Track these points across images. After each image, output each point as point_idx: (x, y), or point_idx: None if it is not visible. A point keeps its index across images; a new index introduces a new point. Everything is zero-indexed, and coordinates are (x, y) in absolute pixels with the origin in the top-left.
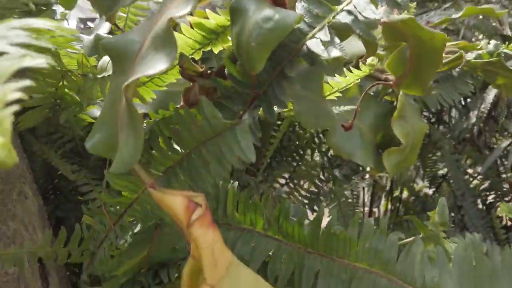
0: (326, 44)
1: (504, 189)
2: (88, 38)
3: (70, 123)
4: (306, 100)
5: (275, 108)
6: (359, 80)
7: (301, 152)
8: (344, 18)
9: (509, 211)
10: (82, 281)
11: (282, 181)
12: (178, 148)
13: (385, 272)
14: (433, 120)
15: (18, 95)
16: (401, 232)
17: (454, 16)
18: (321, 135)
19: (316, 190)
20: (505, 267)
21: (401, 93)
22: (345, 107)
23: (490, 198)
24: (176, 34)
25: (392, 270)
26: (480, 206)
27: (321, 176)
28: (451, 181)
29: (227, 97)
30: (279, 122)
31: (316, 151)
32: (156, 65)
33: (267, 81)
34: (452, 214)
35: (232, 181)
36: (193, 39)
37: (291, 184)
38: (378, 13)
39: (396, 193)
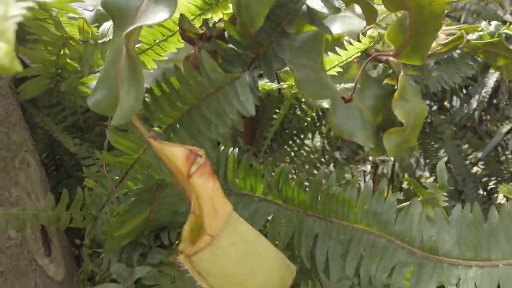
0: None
1: (505, 175)
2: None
3: (71, 95)
4: (306, 68)
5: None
6: (359, 53)
7: (302, 135)
8: None
9: (509, 192)
10: (85, 245)
11: (283, 165)
12: (179, 105)
13: (383, 232)
14: (434, 108)
15: (19, 10)
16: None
17: None
18: (321, 117)
19: (316, 173)
20: (503, 226)
21: (401, 73)
22: (346, 85)
23: (491, 184)
24: None
25: (391, 231)
26: (481, 192)
27: (322, 159)
28: (452, 167)
29: (227, 60)
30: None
31: (317, 133)
32: (157, 15)
33: (267, 42)
34: (453, 201)
35: (232, 148)
36: (193, 4)
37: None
38: None
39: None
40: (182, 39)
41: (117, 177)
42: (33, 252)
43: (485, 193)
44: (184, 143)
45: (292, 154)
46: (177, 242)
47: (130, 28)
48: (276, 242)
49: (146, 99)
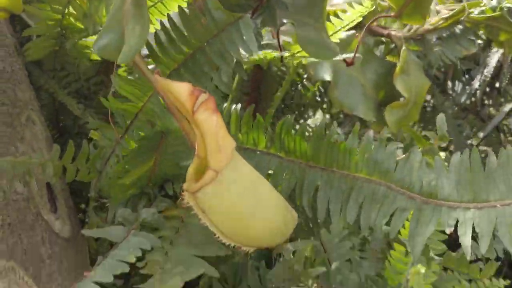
0: None
1: None
2: None
3: (75, 58)
4: (308, 26)
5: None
6: (361, 18)
7: (303, 111)
8: None
9: None
10: (90, 198)
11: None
12: (183, 48)
13: (384, 180)
14: (437, 91)
15: None
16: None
17: None
18: (323, 94)
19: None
20: (501, 168)
21: (403, 48)
22: (346, 55)
23: None
24: None
25: (391, 178)
26: None
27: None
28: (453, 147)
29: (231, 9)
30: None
31: (319, 109)
32: None
33: None
34: None
35: (234, 105)
36: None
37: None
38: None
39: None
40: None
41: (122, 128)
42: (39, 207)
43: None
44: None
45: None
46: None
47: None
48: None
49: (152, 44)
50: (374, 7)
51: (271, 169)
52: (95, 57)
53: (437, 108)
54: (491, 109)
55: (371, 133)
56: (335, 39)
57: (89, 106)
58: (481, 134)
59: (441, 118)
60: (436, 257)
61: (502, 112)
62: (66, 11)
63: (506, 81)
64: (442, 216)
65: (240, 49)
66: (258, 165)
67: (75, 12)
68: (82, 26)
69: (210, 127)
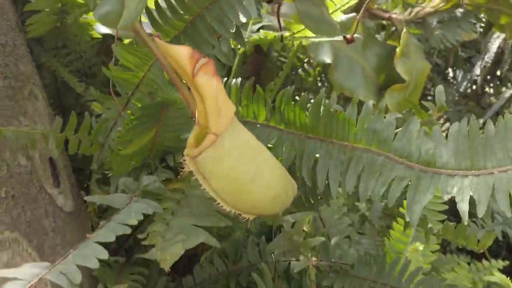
0: None
1: None
2: None
3: (76, 35)
4: (308, 1)
5: None
6: None
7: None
8: None
9: None
10: (93, 171)
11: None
12: (183, 15)
13: (382, 150)
14: (438, 79)
15: None
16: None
17: None
18: (323, 78)
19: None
20: (499, 136)
21: (404, 31)
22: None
23: None
24: None
25: (389, 148)
26: None
27: None
28: None
29: None
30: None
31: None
32: None
33: None
34: None
35: (235, 79)
36: None
37: None
38: None
39: None
40: None
41: (123, 99)
42: (42, 181)
43: None
44: None
45: None
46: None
47: None
48: None
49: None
50: None
51: (271, 142)
52: (96, 34)
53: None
54: (492, 98)
55: (370, 103)
56: (335, 18)
57: (90, 84)
58: (481, 121)
59: (439, 89)
60: (435, 228)
61: (502, 98)
62: None
63: (507, 68)
64: (440, 184)
65: (240, 14)
66: (259, 138)
67: None
68: (83, 1)
69: (210, 90)
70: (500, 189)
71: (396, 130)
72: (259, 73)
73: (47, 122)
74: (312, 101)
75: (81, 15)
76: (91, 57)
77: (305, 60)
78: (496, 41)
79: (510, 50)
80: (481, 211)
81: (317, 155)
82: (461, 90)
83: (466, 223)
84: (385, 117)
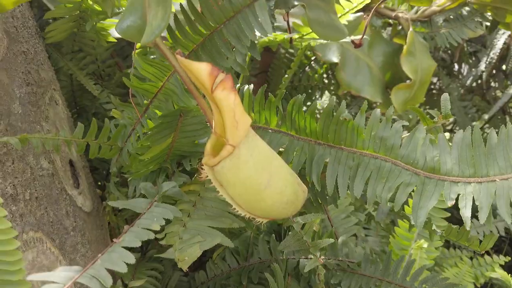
0: None
1: None
2: None
3: (93, 40)
4: (318, 8)
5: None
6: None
7: (310, 91)
8: None
9: None
10: (112, 174)
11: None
12: (201, 30)
13: (389, 156)
14: (443, 73)
15: None
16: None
17: None
18: (330, 76)
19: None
20: (501, 145)
21: (410, 29)
22: (355, 37)
23: None
24: None
25: (396, 154)
26: None
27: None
28: (457, 128)
29: None
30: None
31: (326, 91)
32: None
33: None
34: None
35: (247, 85)
36: None
37: None
38: None
39: None
40: None
41: (142, 107)
42: (63, 182)
43: None
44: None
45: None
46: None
47: None
48: None
49: (171, 25)
50: None
51: (282, 147)
52: (112, 39)
53: (443, 90)
54: (497, 91)
55: (378, 111)
56: (343, 20)
57: (105, 87)
58: (486, 116)
59: (445, 97)
60: (438, 230)
61: (507, 94)
62: None
63: None
64: (444, 190)
65: (256, 31)
66: (271, 143)
67: None
68: (100, 9)
69: (228, 104)
70: (501, 196)
71: (403, 136)
72: (267, 69)
73: (66, 126)
74: (319, 101)
75: (98, 21)
76: (106, 59)
77: (313, 58)
78: (502, 37)
79: None
80: (482, 218)
81: (327, 160)
82: (466, 84)
83: (468, 228)
84: (392, 125)
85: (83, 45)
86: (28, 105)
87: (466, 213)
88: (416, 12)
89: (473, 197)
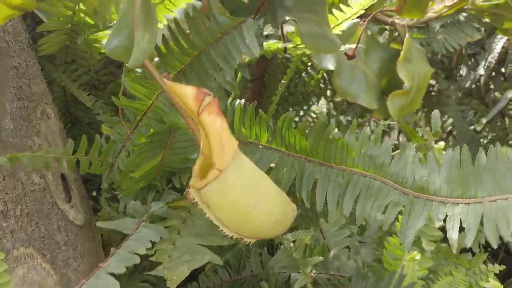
0: None
1: (509, 141)
2: None
3: (85, 52)
4: (309, 22)
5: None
6: (363, 11)
7: (307, 97)
8: None
9: None
10: (103, 189)
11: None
12: (189, 51)
13: (379, 175)
14: (442, 76)
15: None
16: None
17: None
18: (327, 82)
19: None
20: (490, 166)
21: (407, 36)
22: (350, 45)
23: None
24: None
25: (385, 173)
26: None
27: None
28: (455, 132)
29: (234, 11)
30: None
31: (322, 98)
32: None
33: None
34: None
35: (238, 100)
36: None
37: None
38: None
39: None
40: None
41: (132, 123)
42: (54, 197)
43: None
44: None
45: (297, 119)
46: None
47: None
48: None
49: (159, 46)
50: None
51: (273, 162)
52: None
53: (442, 93)
54: (496, 93)
55: (367, 129)
56: (337, 31)
57: (99, 97)
58: (484, 120)
59: (435, 114)
60: (427, 248)
61: (506, 97)
62: (77, 7)
63: (511, 67)
64: (432, 210)
65: (243, 52)
66: (261, 159)
67: (85, 9)
68: (93, 22)
69: (214, 129)
70: (488, 218)
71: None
72: (263, 74)
73: (59, 139)
74: (316, 105)
75: (91, 34)
76: (99, 69)
77: (309, 64)
78: (500, 42)
79: None
80: (469, 240)
81: (317, 177)
82: (465, 87)
83: (455, 252)
84: (381, 144)
85: (76, 57)
86: (19, 120)
87: (453, 235)
88: (413, 18)
89: (461, 218)
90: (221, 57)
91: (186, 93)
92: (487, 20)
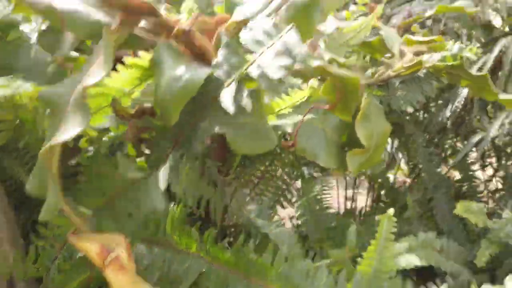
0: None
1: (474, 183)
2: None
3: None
4: (243, 126)
5: None
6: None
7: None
8: (254, 71)
9: (465, 209)
10: None
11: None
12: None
13: None
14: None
15: None
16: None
17: (427, 14)
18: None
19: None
20: None
21: (364, 96)
22: (309, 115)
23: (464, 189)
24: (116, 74)
25: None
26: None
27: (289, 175)
28: (422, 174)
29: (159, 134)
30: None
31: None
32: (70, 130)
33: (189, 126)
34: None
35: (173, 203)
36: (132, 77)
37: (260, 186)
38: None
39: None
40: (117, 116)
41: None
42: None
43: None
44: (110, 226)
45: (263, 168)
46: None
47: (47, 145)
48: None
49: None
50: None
51: (201, 271)
52: None
53: (408, 137)
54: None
55: (284, 250)
56: (281, 115)
57: None
58: (451, 161)
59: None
60: None
61: (470, 143)
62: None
63: (475, 116)
64: None
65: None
66: (191, 266)
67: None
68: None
69: (119, 284)
70: None
71: None
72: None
73: (6, 232)
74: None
75: (33, 137)
76: None
77: None
78: (465, 89)
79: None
80: None
81: None
82: (433, 127)
83: None
84: (297, 264)
85: (27, 144)
86: None
87: None
88: (373, 75)
89: None
90: (133, 203)
91: (90, 250)
92: (444, 77)
